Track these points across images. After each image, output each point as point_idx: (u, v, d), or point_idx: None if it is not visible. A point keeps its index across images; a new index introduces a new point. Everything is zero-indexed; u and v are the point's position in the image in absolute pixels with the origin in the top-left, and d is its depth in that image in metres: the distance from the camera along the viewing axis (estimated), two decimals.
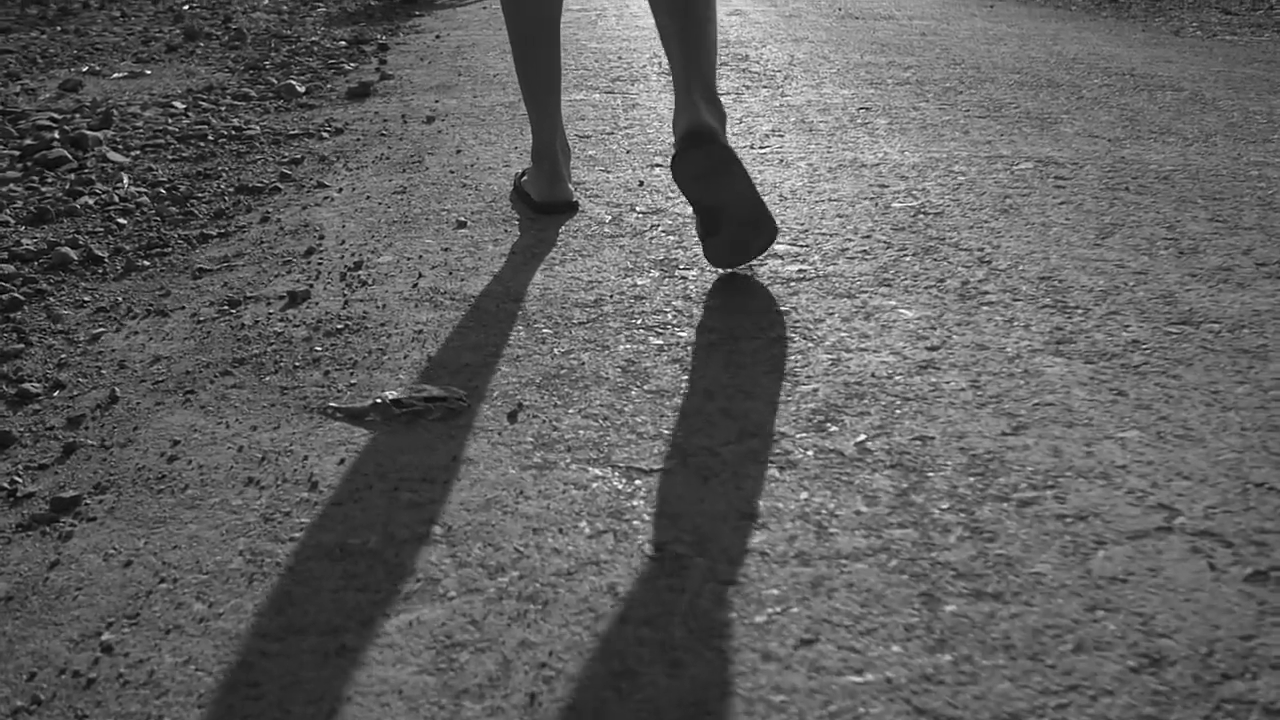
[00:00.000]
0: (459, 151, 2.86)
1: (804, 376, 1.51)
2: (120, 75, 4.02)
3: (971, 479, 1.25)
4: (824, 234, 2.11)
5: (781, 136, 2.96)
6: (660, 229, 2.16)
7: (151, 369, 1.60)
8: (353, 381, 1.53)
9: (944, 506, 1.20)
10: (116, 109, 3.36)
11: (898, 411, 1.41)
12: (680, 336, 1.66)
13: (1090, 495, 1.22)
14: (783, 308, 1.76)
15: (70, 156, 2.71)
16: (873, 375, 1.51)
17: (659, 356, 1.59)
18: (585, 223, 2.22)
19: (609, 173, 2.60)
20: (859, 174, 2.55)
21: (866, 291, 1.82)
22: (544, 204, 2.25)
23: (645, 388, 1.49)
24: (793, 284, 1.86)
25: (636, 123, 3.17)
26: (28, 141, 2.87)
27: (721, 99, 3.50)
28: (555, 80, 2.14)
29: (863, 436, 1.35)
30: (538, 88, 2.14)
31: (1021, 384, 1.48)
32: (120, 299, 1.89)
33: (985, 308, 1.75)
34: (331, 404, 1.46)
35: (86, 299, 1.90)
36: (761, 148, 2.81)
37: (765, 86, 3.73)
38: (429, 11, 6.53)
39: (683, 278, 1.90)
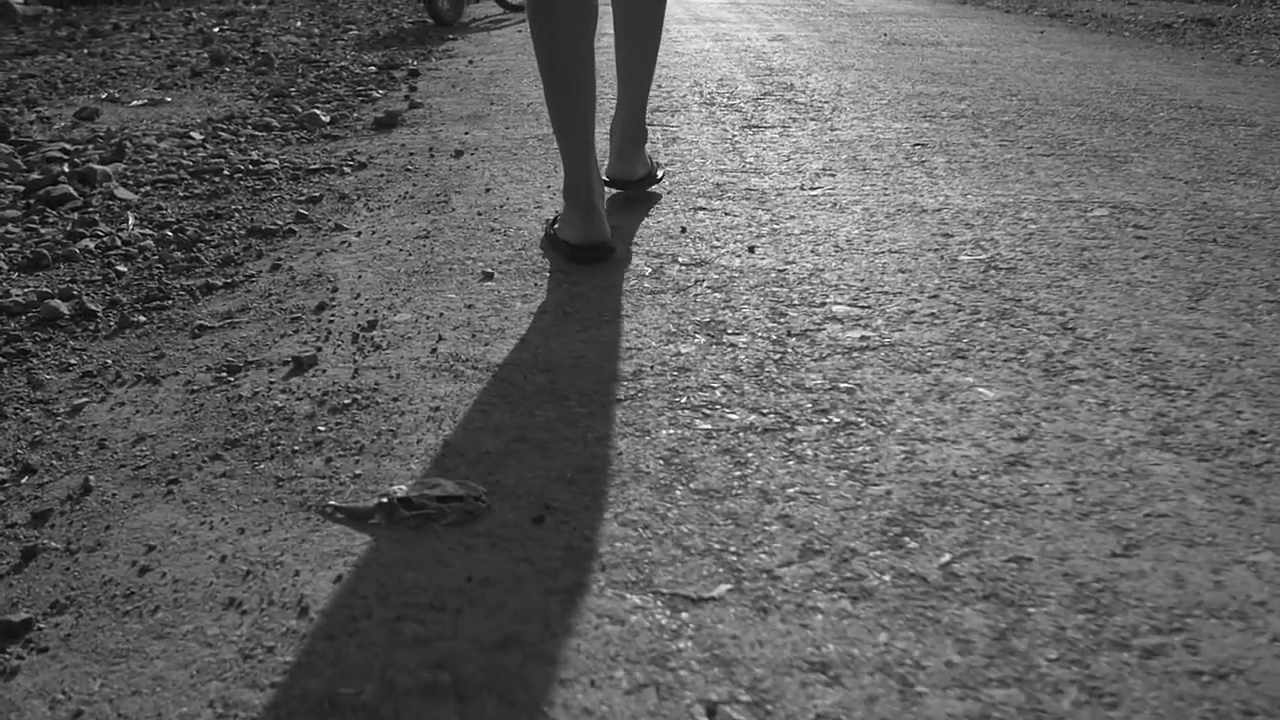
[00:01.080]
0: (488, 190, 2.67)
1: (875, 474, 1.31)
2: (140, 103, 3.86)
3: (1081, 618, 1.04)
4: (887, 292, 1.91)
5: (833, 176, 2.75)
6: (705, 284, 1.96)
7: (134, 451, 1.41)
8: (358, 472, 1.33)
9: (1052, 657, 0.99)
10: (131, 140, 3.20)
11: (986, 523, 1.20)
12: (730, 420, 1.45)
13: (1227, 643, 1.00)
14: (845, 384, 1.55)
15: (75, 194, 2.54)
16: (954, 474, 1.30)
17: (707, 445, 1.38)
18: (623, 275, 2.02)
19: (649, 216, 2.41)
20: (920, 220, 2.34)
21: (939, 364, 1.61)
22: (580, 246, 2.08)
23: (692, 486, 1.29)
24: (855, 354, 1.65)
25: (677, 159, 2.97)
26: (34, 176, 2.70)
27: (768, 131, 3.30)
28: (589, 113, 2.00)
29: (948, 556, 1.14)
30: (570, 121, 2.00)
31: (1127, 487, 1.27)
32: (110, 361, 1.71)
33: (1075, 386, 1.53)
34: (332, 502, 1.26)
35: (73, 361, 1.71)
36: (812, 188, 2.61)
37: (813, 119, 3.53)
38: (463, 35, 6.37)
39: (731, 345, 1.70)
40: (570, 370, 1.63)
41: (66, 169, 2.81)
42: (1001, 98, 3.93)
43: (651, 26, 2.25)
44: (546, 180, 2.75)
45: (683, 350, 1.69)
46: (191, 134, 3.33)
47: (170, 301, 1.97)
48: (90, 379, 1.66)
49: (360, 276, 2.07)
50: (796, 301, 1.88)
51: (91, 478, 1.36)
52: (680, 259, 2.12)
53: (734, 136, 3.26)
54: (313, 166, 2.97)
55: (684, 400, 1.52)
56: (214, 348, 1.76)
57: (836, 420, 1.45)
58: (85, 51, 5.57)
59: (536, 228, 2.36)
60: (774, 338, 1.73)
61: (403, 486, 1.29)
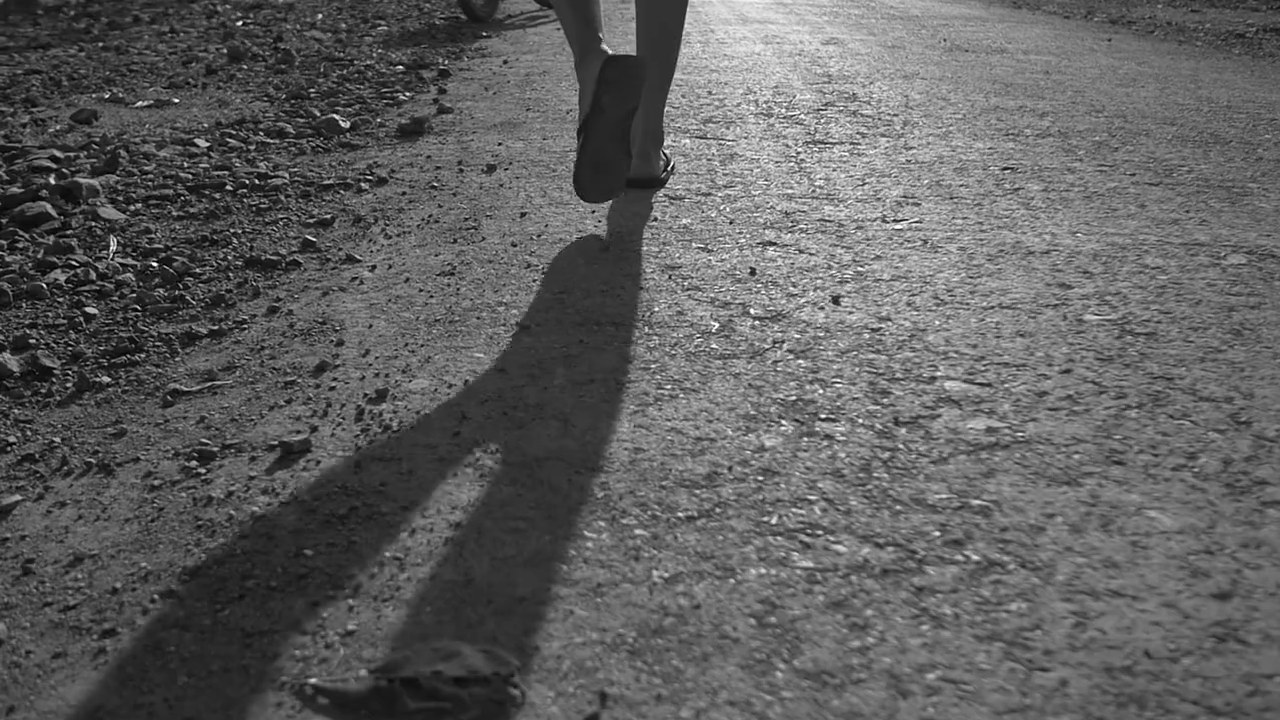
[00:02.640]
0: (523, 214, 2.32)
1: (1040, 649, 0.95)
2: (145, 104, 3.54)
3: None
4: (1008, 365, 1.55)
5: (917, 205, 2.39)
6: (785, 347, 1.62)
7: (66, 580, 1.08)
8: (351, 626, 0.99)
9: None
10: (128, 148, 2.87)
11: None
12: (837, 553, 1.10)
13: None
14: (978, 500, 1.20)
15: (53, 214, 2.21)
16: (1147, 654, 0.95)
17: (810, 596, 1.04)
18: (686, 332, 1.68)
19: (710, 253, 2.06)
20: (1028, 266, 1.98)
21: (1093, 474, 1.26)
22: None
23: (796, 664, 0.94)
24: (983, 455, 1.30)
25: (737, 179, 2.62)
26: (13, 190, 2.37)
27: (835, 149, 2.94)
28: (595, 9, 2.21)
29: None
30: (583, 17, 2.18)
31: None
32: (59, 439, 1.38)
33: (1273, 512, 1.17)
34: (312, 680, 0.92)
35: (12, 439, 1.38)
36: (895, 221, 2.26)
37: (884, 134, 3.17)
38: (497, 32, 6.03)
39: (827, 437, 1.35)
40: (626, 470, 1.28)
41: (53, 180, 2.48)
42: (1086, 114, 3.55)
43: (671, 34, 2.40)
44: (590, 206, 2.41)
45: (767, 443, 1.34)
46: (196, 141, 3.00)
47: (143, 355, 1.64)
48: (30, 466, 1.33)
49: (371, 325, 1.73)
50: (899, 374, 1.53)
51: (3, 624, 1.01)
52: (752, 310, 1.77)
53: (798, 154, 2.91)
54: (326, 181, 2.64)
55: (775, 521, 1.17)
56: (187, 422, 1.42)
57: (975, 558, 1.10)
58: (100, 45, 5.26)
59: (580, 264, 2.01)
60: (878, 427, 1.38)
61: (409, 654, 0.94)
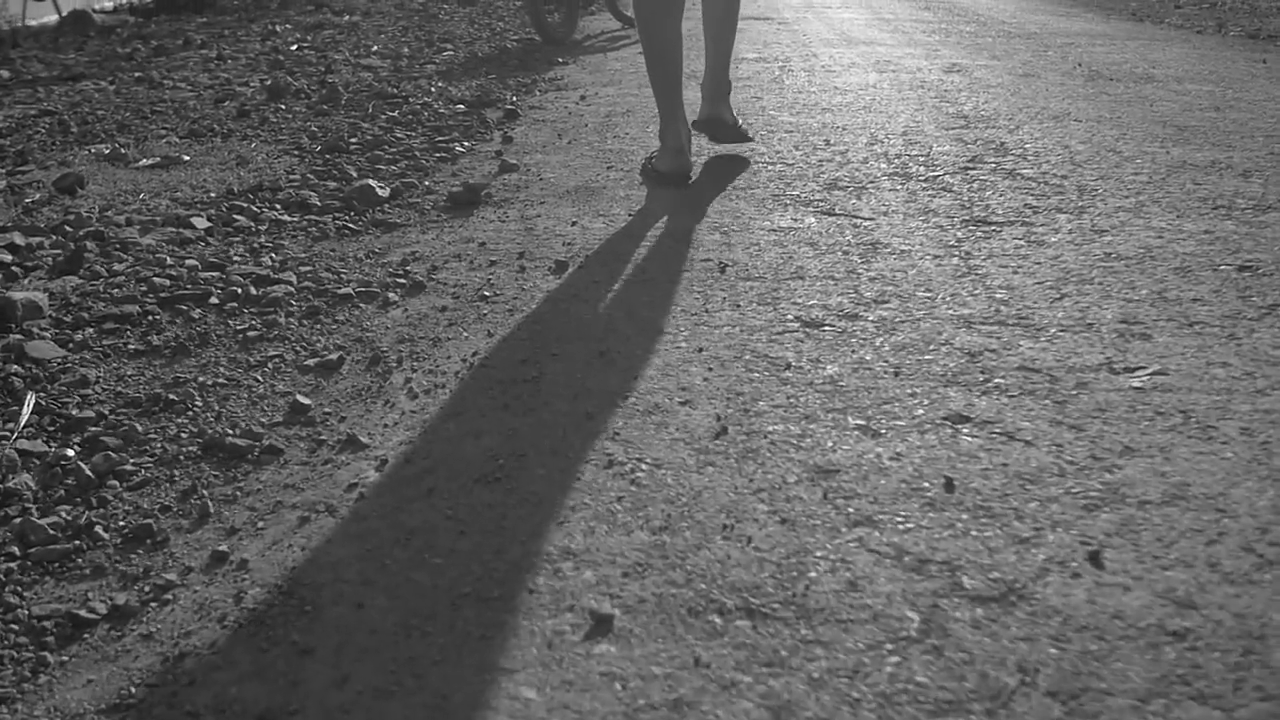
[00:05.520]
0: (603, 353, 1.65)
1: None
2: (149, 162, 2.92)
3: None
4: None
5: (1148, 339, 1.68)
6: (1039, 682, 0.90)
7: None
8: None
9: None
10: (106, 231, 2.25)
11: None
12: None
13: None
14: None
15: None
16: None
17: None
18: (867, 637, 0.98)
19: (876, 438, 1.39)
20: None
21: None
22: (669, 173, 2.70)
23: None
24: None
25: (889, 288, 1.93)
26: None
27: (1005, 233, 2.21)
28: (680, 74, 2.64)
29: None
30: (667, 83, 2.63)
31: None
32: None
33: None
34: None
35: None
36: (1127, 371, 1.57)
37: (1059, 208, 2.45)
38: (575, 57, 5.37)
39: None
40: None
41: None
42: None
43: (729, 10, 2.84)
44: (698, 341, 1.71)
45: None
46: (194, 220, 2.37)
47: None
48: None
49: (362, 605, 1.05)
50: None
51: None
52: (966, 580, 1.08)
53: (960, 242, 2.20)
54: (344, 289, 1.98)
55: None
56: None
57: None
58: (137, 75, 4.68)
59: (687, 461, 1.33)
60: None
61: None
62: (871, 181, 2.77)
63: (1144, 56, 5.27)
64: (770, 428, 1.46)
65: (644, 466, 1.36)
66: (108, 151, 3.04)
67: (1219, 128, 3.46)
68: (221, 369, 1.69)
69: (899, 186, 2.71)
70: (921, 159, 3.00)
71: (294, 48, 5.57)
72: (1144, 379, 1.60)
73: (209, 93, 4.29)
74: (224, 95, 4.16)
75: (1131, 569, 1.14)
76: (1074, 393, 1.56)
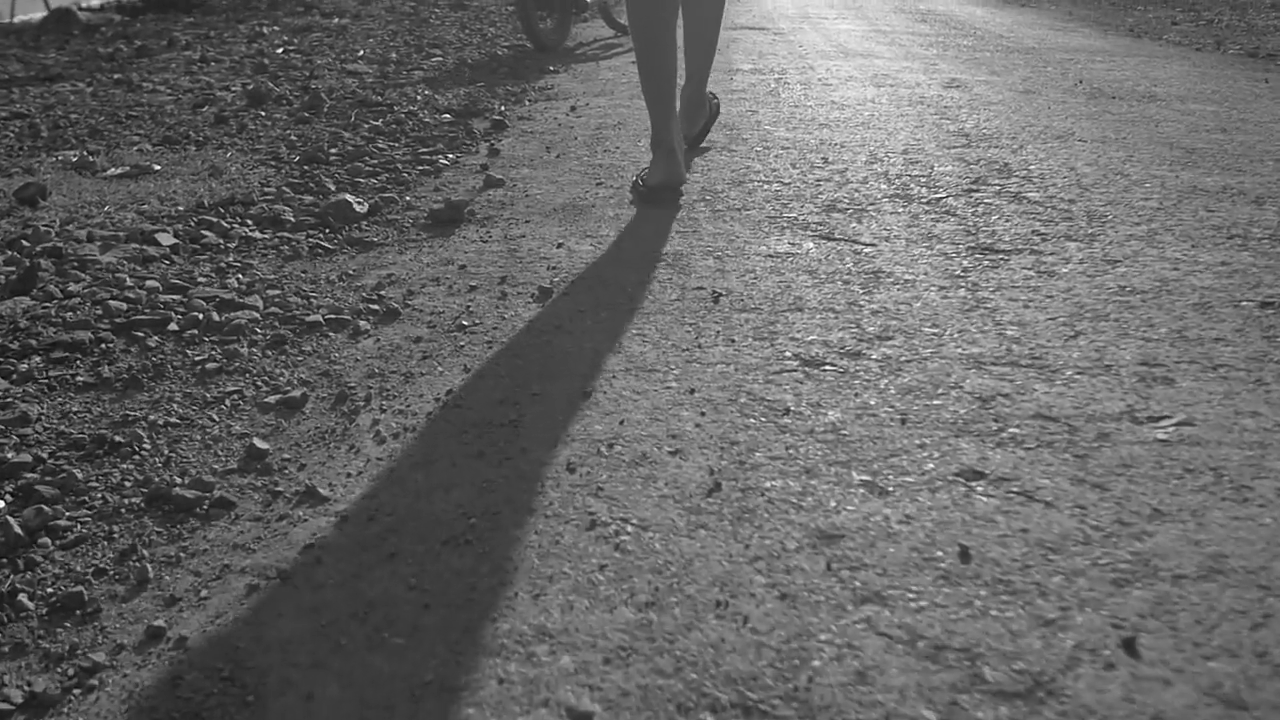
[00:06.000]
0: (588, 394, 1.51)
1: None
2: (118, 172, 2.78)
3: None
4: None
5: (1170, 384, 1.57)
6: None
7: None
8: None
9: None
10: (64, 248, 2.12)
11: None
12: None
13: None
14: None
15: None
16: None
17: None
18: None
19: (883, 498, 1.27)
20: None
21: None
22: (657, 187, 2.64)
23: None
24: None
25: (893, 324, 1.81)
26: None
27: (1013, 262, 2.09)
28: (674, 82, 2.61)
29: None
30: (661, 91, 2.59)
31: None
32: None
33: None
34: None
35: None
36: (1150, 421, 1.46)
37: (1068, 235, 2.33)
38: (566, 65, 5.24)
39: None
40: None
41: None
42: None
43: (711, 22, 2.90)
44: (690, 381, 1.58)
45: None
46: (159, 236, 2.23)
47: None
48: None
49: (311, 696, 0.92)
50: None
51: None
52: (989, 672, 0.95)
53: (966, 273, 2.08)
54: (311, 317, 1.85)
55: None
56: None
57: None
58: (116, 77, 4.54)
59: (678, 523, 1.21)
60: None
61: None
62: (872, 203, 2.65)
63: (1145, 74, 5.17)
64: (767, 483, 1.34)
65: (629, 529, 1.23)
66: (75, 159, 2.91)
67: (1227, 150, 3.36)
68: (175, 406, 1.56)
69: (900, 209, 2.59)
70: (923, 180, 2.88)
71: (280, 51, 5.44)
72: (1169, 430, 1.48)
73: (188, 97, 4.16)
74: (203, 100, 4.02)
75: (1170, 658, 1.02)
76: (1095, 445, 1.44)
